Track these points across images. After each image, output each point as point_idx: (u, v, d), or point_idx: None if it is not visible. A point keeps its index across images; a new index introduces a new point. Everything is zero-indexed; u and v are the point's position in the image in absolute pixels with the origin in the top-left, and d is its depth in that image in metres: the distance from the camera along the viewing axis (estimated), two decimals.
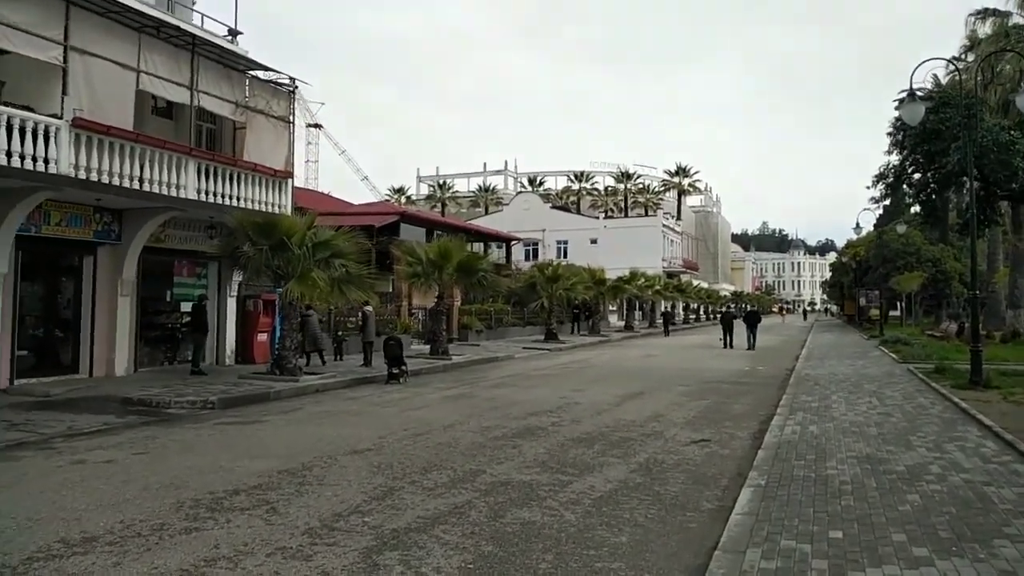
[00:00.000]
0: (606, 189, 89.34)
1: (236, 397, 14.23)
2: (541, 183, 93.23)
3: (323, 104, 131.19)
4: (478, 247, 52.80)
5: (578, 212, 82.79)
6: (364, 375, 18.33)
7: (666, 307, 53.62)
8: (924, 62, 16.62)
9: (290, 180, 19.33)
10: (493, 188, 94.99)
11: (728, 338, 32.53)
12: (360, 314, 20.96)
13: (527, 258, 65.60)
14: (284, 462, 8.46)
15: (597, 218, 77.30)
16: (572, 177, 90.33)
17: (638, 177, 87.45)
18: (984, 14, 31.37)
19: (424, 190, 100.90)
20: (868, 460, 8.38)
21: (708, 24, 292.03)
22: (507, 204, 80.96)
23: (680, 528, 6.21)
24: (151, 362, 18.76)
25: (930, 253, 51.66)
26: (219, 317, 19.77)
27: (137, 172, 15.16)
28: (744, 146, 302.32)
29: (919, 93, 16.27)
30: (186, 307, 18.86)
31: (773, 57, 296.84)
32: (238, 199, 17.69)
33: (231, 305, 19.91)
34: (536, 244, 72.47)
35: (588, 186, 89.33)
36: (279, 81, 19.08)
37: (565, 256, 68.77)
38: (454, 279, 23.58)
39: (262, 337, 20.43)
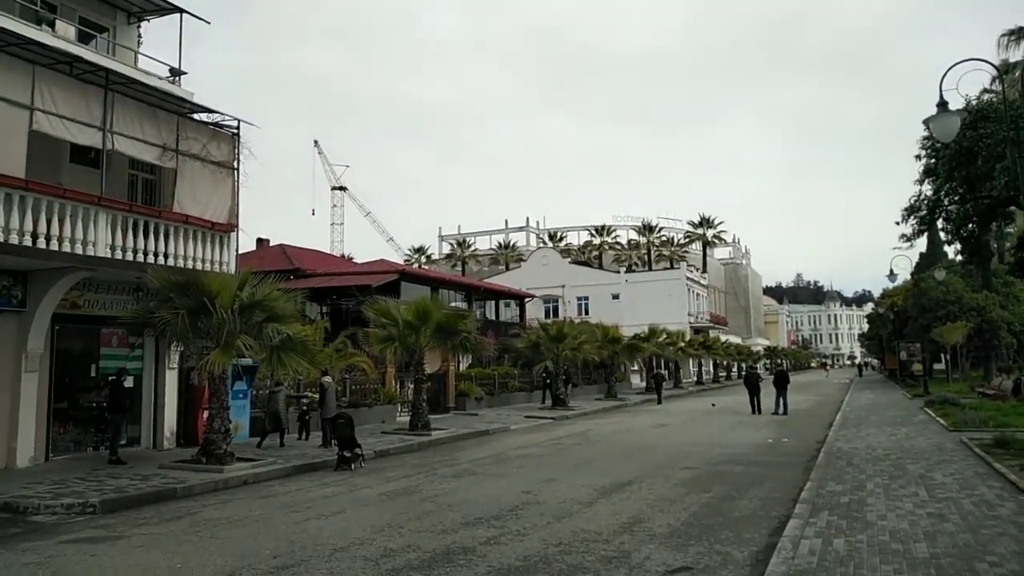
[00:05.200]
0: (629, 243, 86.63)
1: (127, 498, 11.64)
2: (562, 238, 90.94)
3: (348, 167, 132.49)
4: (490, 306, 50.61)
5: (600, 267, 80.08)
6: (313, 460, 15.65)
7: (656, 366, 47.05)
8: (956, 64, 13.31)
9: (233, 234, 17.05)
10: (513, 245, 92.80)
11: (755, 402, 29.23)
12: (319, 386, 18.37)
13: (547, 315, 62.87)
14: None
15: (618, 272, 74.46)
16: (594, 231, 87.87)
17: (661, 229, 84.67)
18: (1018, 34, 28.66)
19: (446, 249, 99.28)
20: None
21: (732, 82, 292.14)
22: (526, 260, 78.67)
23: None
24: (75, 448, 16.36)
25: (973, 301, 47.90)
26: (156, 394, 17.35)
27: (30, 226, 13.00)
28: (774, 198, 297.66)
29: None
30: None
31: (799, 110, 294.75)
32: (166, 256, 15.43)
33: (170, 379, 17.47)
34: (556, 301, 69.78)
35: (610, 240, 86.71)
36: (221, 123, 16.96)
37: (586, 312, 65.94)
38: (431, 342, 20.93)
39: None
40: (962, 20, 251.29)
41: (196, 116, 16.68)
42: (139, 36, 18.69)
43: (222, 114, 16.90)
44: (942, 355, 55.10)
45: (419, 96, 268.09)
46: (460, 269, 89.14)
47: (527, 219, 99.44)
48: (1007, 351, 53.72)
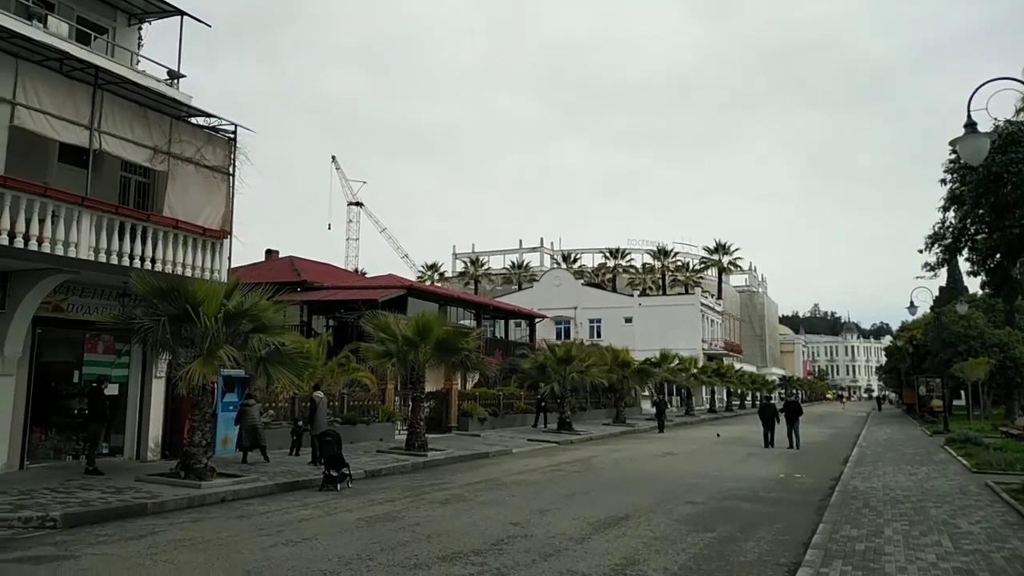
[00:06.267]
0: (643, 266, 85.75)
1: (92, 512, 10.95)
2: (575, 260, 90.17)
3: (364, 183, 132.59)
4: (500, 325, 49.83)
5: (613, 290, 79.25)
6: (299, 478, 14.92)
7: (659, 394, 44.19)
8: (985, 83, 12.34)
9: (226, 241, 16.46)
10: (527, 265, 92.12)
11: (769, 435, 27.99)
12: (310, 401, 17.67)
13: (558, 336, 62.11)
14: None
15: (631, 296, 73.55)
16: (608, 254, 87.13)
17: (676, 254, 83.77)
18: None
19: (459, 267, 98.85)
20: None
21: (747, 109, 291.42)
22: (538, 280, 77.92)
23: None
24: (55, 456, 15.73)
25: (995, 337, 46.57)
26: (142, 403, 16.73)
27: (7, 224, 12.44)
28: (791, 228, 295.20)
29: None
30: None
31: (814, 139, 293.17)
32: (153, 261, 14.84)
33: (157, 388, 16.84)
34: (568, 322, 68.94)
35: (624, 263, 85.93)
36: (217, 128, 16.43)
37: (598, 335, 65.07)
38: (431, 359, 20.19)
39: None
40: (985, 54, 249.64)
41: (193, 120, 16.16)
42: (140, 38, 18.30)
43: (219, 118, 16.41)
44: (962, 391, 53.67)
45: (437, 118, 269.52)
46: (473, 287, 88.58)
47: (541, 240, 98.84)
48: None
